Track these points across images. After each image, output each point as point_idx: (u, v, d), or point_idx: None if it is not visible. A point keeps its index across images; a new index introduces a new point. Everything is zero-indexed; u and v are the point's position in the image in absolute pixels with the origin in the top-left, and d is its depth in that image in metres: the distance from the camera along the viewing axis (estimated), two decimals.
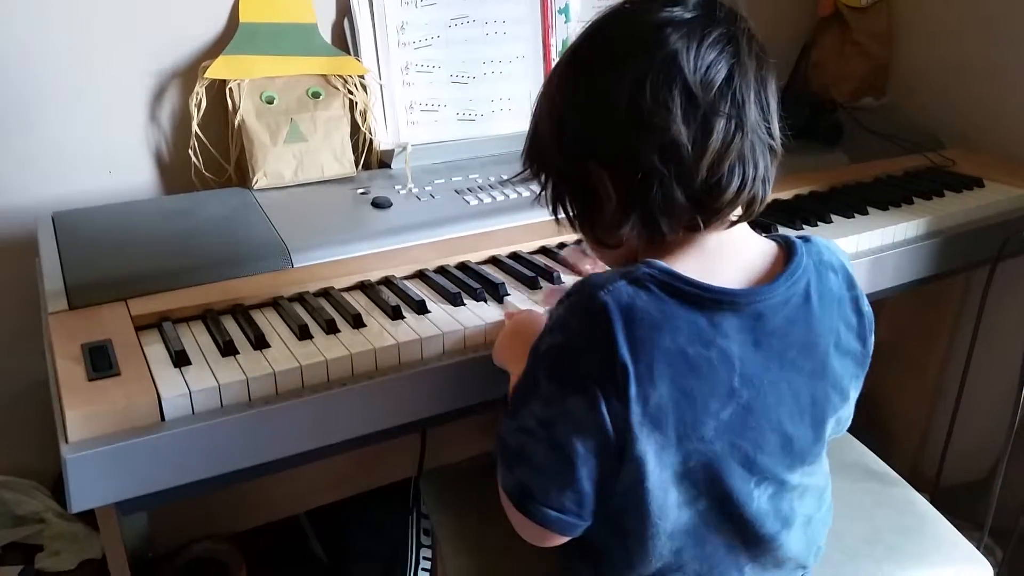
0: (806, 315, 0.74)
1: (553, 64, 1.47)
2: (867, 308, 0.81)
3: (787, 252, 0.77)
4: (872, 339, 0.81)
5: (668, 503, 0.73)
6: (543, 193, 0.81)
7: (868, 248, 1.25)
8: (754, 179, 0.71)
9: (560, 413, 0.70)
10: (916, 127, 1.64)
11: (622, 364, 0.67)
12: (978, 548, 1.02)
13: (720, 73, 0.69)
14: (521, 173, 0.83)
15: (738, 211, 0.73)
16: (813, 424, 0.77)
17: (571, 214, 0.80)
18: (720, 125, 0.68)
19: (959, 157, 1.56)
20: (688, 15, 0.69)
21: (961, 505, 1.43)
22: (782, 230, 1.18)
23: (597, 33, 0.74)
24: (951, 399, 1.56)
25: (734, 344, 0.70)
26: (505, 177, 1.34)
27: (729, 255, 0.75)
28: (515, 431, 0.74)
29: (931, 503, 1.07)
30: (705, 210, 0.71)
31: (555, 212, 0.81)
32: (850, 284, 0.80)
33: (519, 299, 1.02)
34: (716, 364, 0.70)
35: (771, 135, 0.72)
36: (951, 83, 1.69)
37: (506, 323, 0.95)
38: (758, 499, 0.76)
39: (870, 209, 1.32)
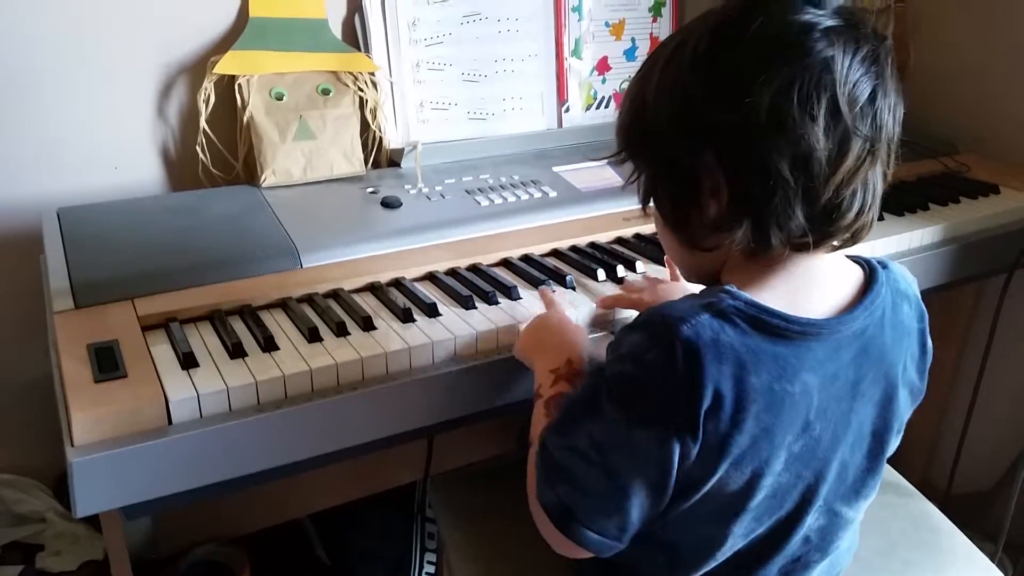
0: (880, 345, 0.72)
1: (565, 54, 1.48)
2: (930, 343, 0.79)
3: (867, 277, 0.74)
4: (927, 374, 0.79)
5: (729, 534, 0.71)
6: (636, 179, 0.75)
7: (885, 254, 1.22)
8: (871, 207, 0.68)
9: (621, 442, 0.67)
10: (930, 132, 1.62)
11: (706, 405, 0.63)
12: (992, 560, 1.01)
13: (865, 91, 0.64)
14: (616, 154, 0.76)
15: (844, 236, 0.69)
16: (871, 456, 0.76)
17: (666, 207, 0.73)
18: (856, 146, 0.64)
19: (974, 163, 1.54)
20: (832, 22, 0.64)
21: (970, 515, 1.41)
22: None
23: (741, 18, 0.66)
24: (962, 408, 1.54)
25: (815, 377, 0.68)
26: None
27: (815, 281, 0.71)
28: (564, 448, 0.71)
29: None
30: (819, 231, 0.67)
31: (645, 202, 0.75)
32: (920, 316, 0.77)
33: (531, 302, 1.00)
34: (797, 399, 0.67)
35: (888, 163, 0.69)
36: (965, 88, 1.67)
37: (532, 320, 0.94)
38: (808, 528, 0.75)
39: (886, 215, 1.30)
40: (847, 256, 0.75)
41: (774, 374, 0.65)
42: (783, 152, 0.63)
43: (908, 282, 0.77)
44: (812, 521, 0.75)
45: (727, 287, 0.68)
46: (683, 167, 0.69)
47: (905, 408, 0.77)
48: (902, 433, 0.80)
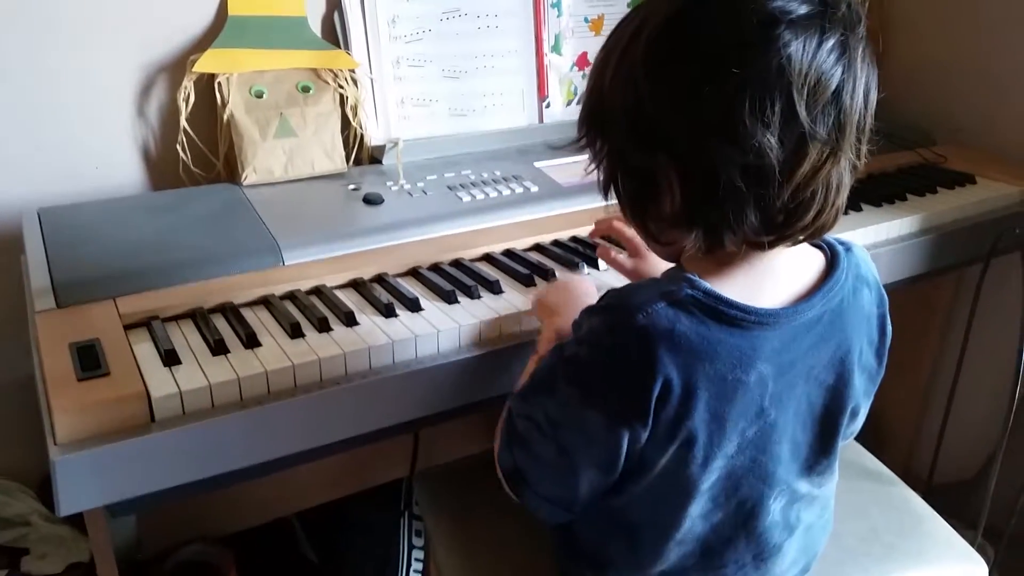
0: (836, 332, 0.72)
1: (545, 47, 1.48)
2: (889, 327, 0.78)
3: (829, 261, 0.73)
4: (886, 357, 0.79)
5: (684, 515, 0.72)
6: (597, 168, 0.73)
7: (862, 245, 1.24)
8: (833, 204, 0.65)
9: (573, 421, 0.69)
10: (908, 124, 1.64)
11: (658, 391, 0.64)
12: (972, 546, 1.02)
13: (829, 88, 0.60)
14: (577, 141, 0.73)
15: (805, 234, 0.67)
16: (823, 436, 0.76)
17: (624, 199, 0.72)
18: (814, 151, 0.61)
19: (951, 154, 1.56)
20: (802, 11, 0.59)
21: (952, 504, 1.43)
22: None
23: (699, 8, 0.62)
24: (943, 397, 1.56)
25: (770, 366, 0.68)
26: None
27: (774, 271, 0.70)
28: (524, 417, 0.73)
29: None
30: (775, 233, 0.65)
31: (606, 191, 0.73)
32: (880, 301, 0.77)
33: (514, 297, 1.01)
34: (752, 388, 0.67)
35: (859, 155, 0.65)
36: (942, 80, 1.69)
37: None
38: (773, 512, 0.75)
39: (863, 206, 1.32)
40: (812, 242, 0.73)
41: (729, 364, 0.66)
42: (734, 160, 0.60)
43: (869, 265, 0.77)
44: (777, 505, 0.75)
45: (688, 275, 0.67)
46: (638, 163, 0.67)
47: (861, 391, 0.77)
48: (861, 417, 0.81)
